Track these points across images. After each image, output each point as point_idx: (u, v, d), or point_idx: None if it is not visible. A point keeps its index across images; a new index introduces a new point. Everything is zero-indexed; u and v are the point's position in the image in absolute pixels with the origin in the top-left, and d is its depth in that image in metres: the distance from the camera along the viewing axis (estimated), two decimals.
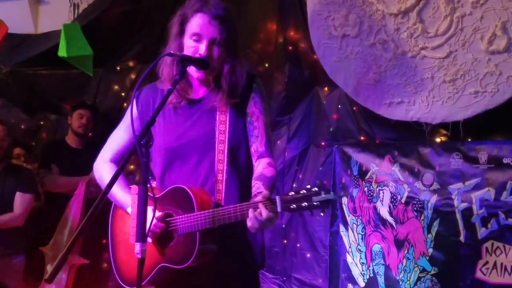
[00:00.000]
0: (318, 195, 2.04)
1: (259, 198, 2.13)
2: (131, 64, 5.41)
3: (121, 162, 2.09)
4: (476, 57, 3.64)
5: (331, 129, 4.50)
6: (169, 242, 2.33)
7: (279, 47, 4.76)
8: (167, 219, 2.34)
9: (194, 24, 2.36)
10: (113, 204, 2.57)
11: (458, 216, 3.79)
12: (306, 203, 2.05)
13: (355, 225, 4.25)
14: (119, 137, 2.57)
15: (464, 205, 3.78)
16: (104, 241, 5.12)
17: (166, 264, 2.32)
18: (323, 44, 4.20)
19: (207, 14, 2.34)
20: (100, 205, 1.94)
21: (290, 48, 4.68)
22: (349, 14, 4.05)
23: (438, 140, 4.00)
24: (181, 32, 2.41)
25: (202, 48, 2.33)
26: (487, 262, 3.65)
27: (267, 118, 2.51)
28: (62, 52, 4.56)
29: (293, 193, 2.09)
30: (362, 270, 4.19)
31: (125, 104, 5.35)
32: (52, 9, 5.87)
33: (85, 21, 5.01)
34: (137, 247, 2.00)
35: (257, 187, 2.27)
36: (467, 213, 3.76)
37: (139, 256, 2.00)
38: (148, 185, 2.04)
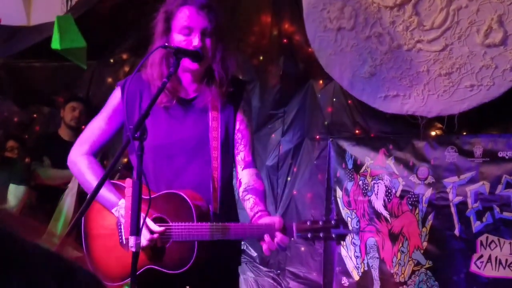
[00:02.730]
0: (337, 228, 2.13)
1: (275, 222, 2.17)
2: (124, 56, 5.38)
3: (114, 158, 2.03)
4: (472, 50, 3.63)
5: (326, 123, 4.49)
6: (159, 246, 2.28)
7: (273, 40, 4.74)
8: (159, 224, 2.28)
9: (181, 18, 2.33)
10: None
11: (453, 209, 3.79)
12: (322, 234, 2.14)
13: (349, 219, 4.25)
14: (100, 129, 2.46)
15: (458, 198, 3.77)
16: None
17: (156, 267, 2.29)
18: (318, 37, 4.18)
19: (193, 5, 2.32)
20: (91, 202, 1.92)
21: (284, 41, 4.66)
22: (344, 6, 4.03)
23: (433, 133, 3.99)
24: (168, 29, 2.37)
25: (195, 40, 2.31)
26: (481, 256, 3.65)
27: (252, 128, 2.55)
28: (55, 45, 4.52)
29: (309, 222, 2.16)
30: (357, 264, 4.19)
31: None
32: (45, 1, 5.83)
33: (78, 13, 4.97)
34: (132, 240, 1.98)
35: (254, 203, 2.30)
36: (462, 206, 3.75)
37: (133, 249, 1.98)
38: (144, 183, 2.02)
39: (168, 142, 2.40)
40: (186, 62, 2.34)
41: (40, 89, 5.62)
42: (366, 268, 4.15)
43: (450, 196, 3.80)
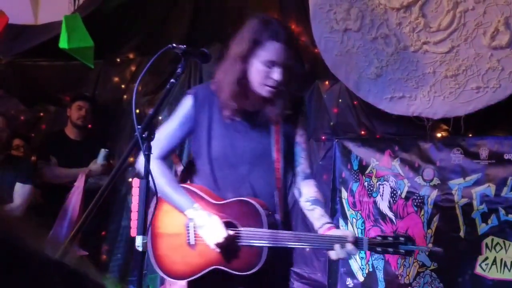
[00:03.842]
0: (406, 245, 2.31)
1: (348, 236, 2.36)
2: (131, 56, 5.38)
3: (122, 158, 2.06)
4: (478, 52, 3.63)
5: (332, 123, 4.48)
6: (228, 249, 2.40)
7: None
8: (230, 228, 2.42)
9: (269, 51, 2.42)
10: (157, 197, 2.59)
11: (458, 211, 3.79)
12: (392, 249, 2.33)
13: (354, 220, 4.25)
14: (170, 135, 2.58)
15: (464, 200, 3.77)
16: (103, 233, 5.12)
17: (223, 268, 2.41)
18: (325, 38, 4.18)
19: (280, 42, 2.43)
20: (102, 198, 1.93)
21: None
22: (351, 8, 4.03)
23: (439, 135, 3.99)
24: (251, 55, 2.44)
25: (276, 74, 2.42)
26: (486, 258, 3.65)
27: (308, 141, 2.75)
28: (63, 44, 4.53)
29: (379, 238, 2.36)
30: (361, 265, 4.19)
31: (125, 96, 5.33)
32: (52, 0, 5.84)
33: (85, 12, 4.98)
34: (138, 240, 1.99)
35: (321, 214, 2.53)
36: (467, 208, 3.75)
37: (140, 249, 1.99)
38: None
39: (232, 152, 2.52)
40: (258, 89, 2.46)
41: (46, 88, 5.62)
42: (370, 269, 4.15)
43: (456, 198, 3.80)
